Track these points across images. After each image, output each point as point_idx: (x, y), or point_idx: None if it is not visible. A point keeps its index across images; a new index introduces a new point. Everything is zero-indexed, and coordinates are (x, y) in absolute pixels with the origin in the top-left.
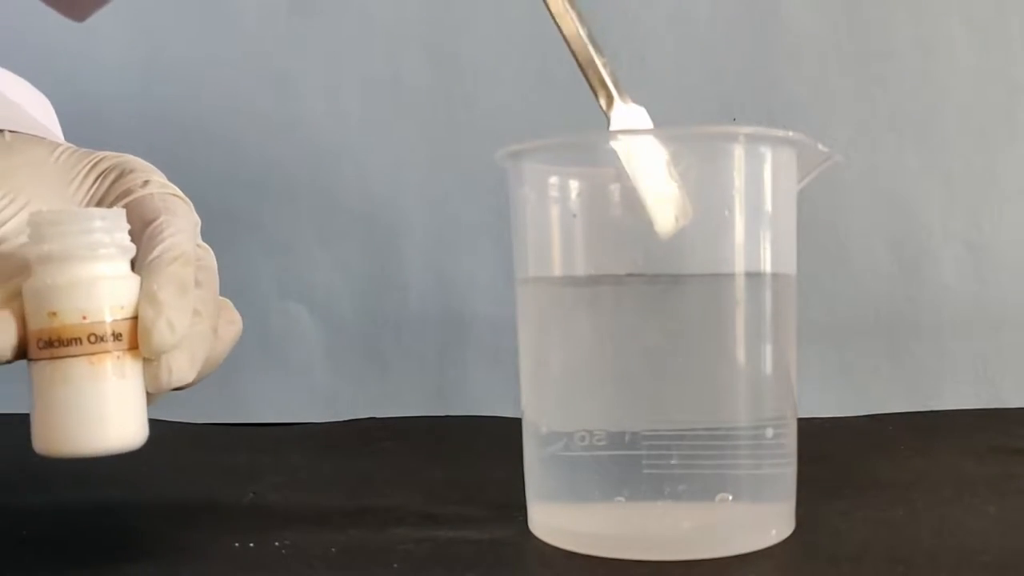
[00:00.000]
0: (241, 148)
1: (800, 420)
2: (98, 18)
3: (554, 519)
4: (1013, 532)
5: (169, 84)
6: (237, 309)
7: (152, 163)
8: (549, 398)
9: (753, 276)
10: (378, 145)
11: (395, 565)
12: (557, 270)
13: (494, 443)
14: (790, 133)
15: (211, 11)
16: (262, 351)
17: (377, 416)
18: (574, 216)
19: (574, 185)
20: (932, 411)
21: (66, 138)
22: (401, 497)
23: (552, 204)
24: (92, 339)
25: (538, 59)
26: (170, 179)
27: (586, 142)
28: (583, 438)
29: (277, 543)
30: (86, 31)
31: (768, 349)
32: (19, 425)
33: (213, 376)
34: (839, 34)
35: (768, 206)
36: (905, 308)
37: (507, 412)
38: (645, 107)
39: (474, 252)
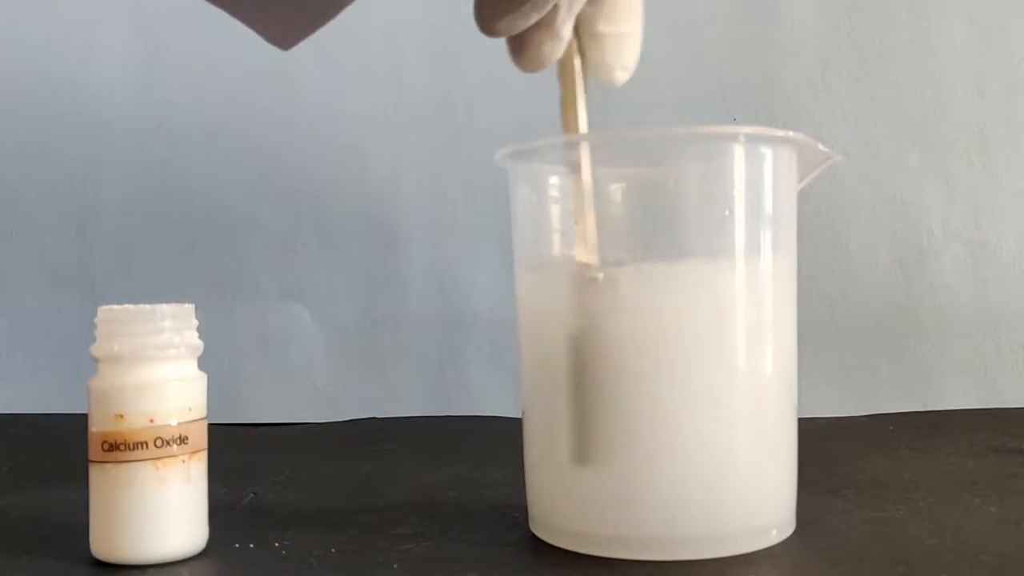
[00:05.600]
0: (241, 147)
1: (800, 420)
2: (98, 18)
3: (554, 519)
4: (1013, 532)
5: (169, 84)
6: (237, 309)
7: (152, 163)
8: (550, 397)
9: (753, 276)
10: (378, 145)
11: (395, 565)
12: (558, 269)
13: (494, 443)
14: (790, 133)
15: (211, 11)
16: (262, 351)
17: (377, 416)
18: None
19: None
20: (932, 411)
21: (67, 136)
22: (401, 497)
23: (552, 204)
24: (159, 443)
25: None
26: (170, 178)
27: (586, 142)
28: (583, 438)
29: (277, 543)
30: (86, 31)
31: (768, 349)
32: (17, 425)
33: (213, 376)
34: (839, 34)
35: (768, 206)
36: (905, 308)
37: (507, 412)
38: (646, 108)
39: (474, 252)
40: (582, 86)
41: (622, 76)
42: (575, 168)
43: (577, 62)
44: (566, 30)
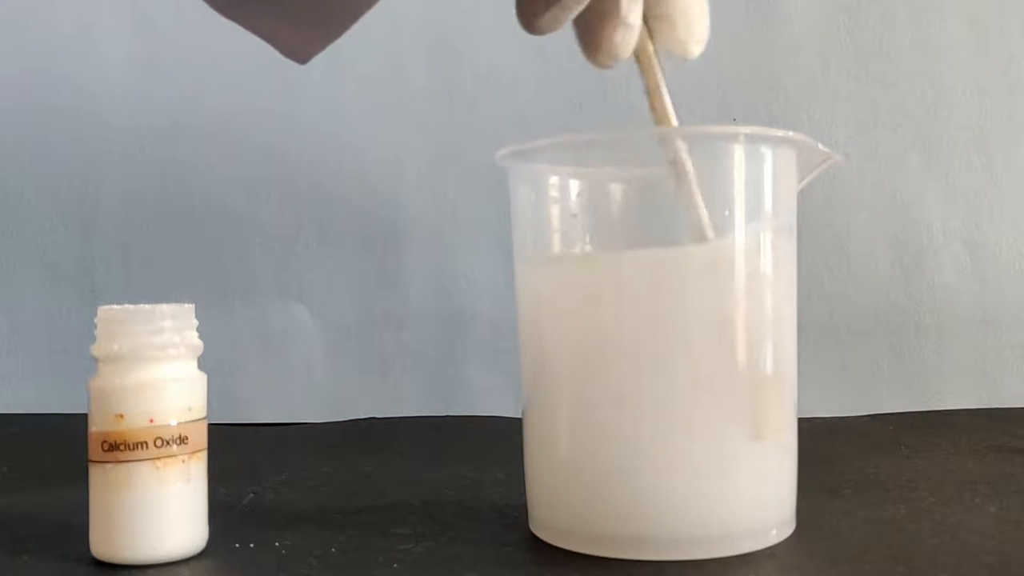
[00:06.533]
0: (241, 147)
1: (800, 420)
2: (98, 18)
3: (554, 519)
4: (1013, 532)
5: (169, 84)
6: (237, 309)
7: (152, 163)
8: (550, 397)
9: (753, 276)
10: (378, 145)
11: (395, 565)
12: (558, 269)
13: (494, 443)
14: (790, 133)
15: (211, 11)
16: (262, 351)
17: (377, 416)
18: (574, 216)
19: (574, 185)
20: (932, 411)
21: (67, 136)
22: (401, 497)
23: (552, 204)
24: (159, 443)
25: (538, 59)
26: (170, 178)
27: (586, 142)
28: (583, 437)
29: (277, 543)
30: (86, 31)
31: (768, 349)
32: (17, 425)
33: (213, 376)
34: (839, 34)
35: (768, 206)
36: (905, 308)
37: (507, 412)
38: (646, 107)
39: (474, 252)
40: (661, 72)
41: (697, 49)
42: (672, 161)
43: (650, 47)
44: (634, 17)
